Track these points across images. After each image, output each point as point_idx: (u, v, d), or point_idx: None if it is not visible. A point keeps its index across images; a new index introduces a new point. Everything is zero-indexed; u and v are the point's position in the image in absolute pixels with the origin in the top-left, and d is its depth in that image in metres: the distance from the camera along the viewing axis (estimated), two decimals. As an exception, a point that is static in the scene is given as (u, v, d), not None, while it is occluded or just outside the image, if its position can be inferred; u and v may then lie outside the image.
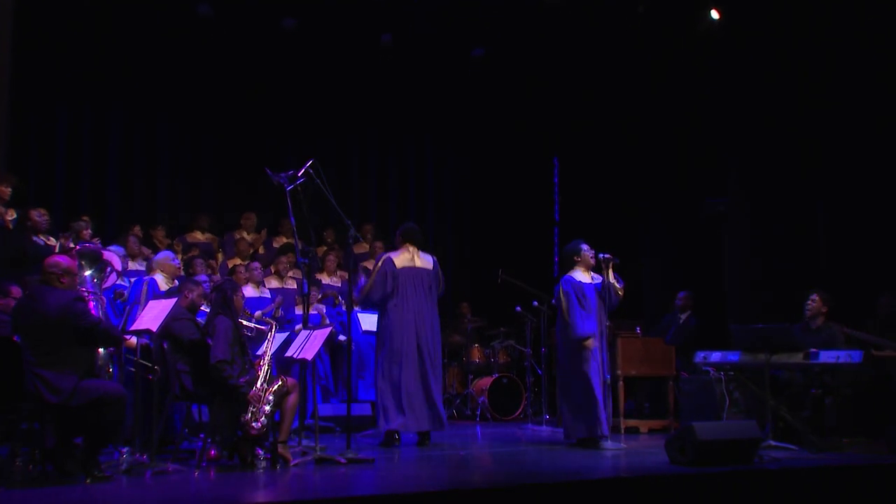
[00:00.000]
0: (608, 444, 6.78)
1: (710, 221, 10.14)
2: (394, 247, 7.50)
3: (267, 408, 5.72)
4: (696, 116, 10.22)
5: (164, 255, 7.72)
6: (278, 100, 10.98)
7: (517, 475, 5.54)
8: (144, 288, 7.08)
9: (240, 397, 5.70)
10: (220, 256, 9.58)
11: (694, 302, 9.33)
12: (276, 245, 10.05)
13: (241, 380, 5.75)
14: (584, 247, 7.26)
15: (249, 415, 5.67)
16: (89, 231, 7.64)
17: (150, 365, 5.96)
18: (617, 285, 7.13)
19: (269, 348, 6.06)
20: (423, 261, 7.33)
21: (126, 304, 7.04)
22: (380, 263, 7.21)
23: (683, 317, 9.30)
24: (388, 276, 7.12)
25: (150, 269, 7.64)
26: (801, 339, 7.01)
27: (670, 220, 10.77)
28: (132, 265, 8.09)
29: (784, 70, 9.23)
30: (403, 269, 7.19)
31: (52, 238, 7.31)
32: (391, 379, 7.04)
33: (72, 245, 6.97)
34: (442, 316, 7.63)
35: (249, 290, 8.35)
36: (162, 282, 7.31)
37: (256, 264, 8.81)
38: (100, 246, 6.98)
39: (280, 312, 8.44)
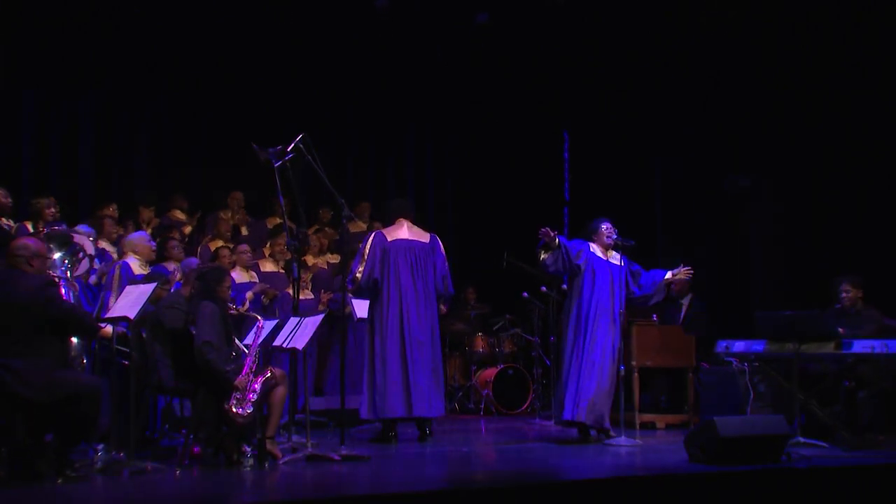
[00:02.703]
0: (620, 439, 6.75)
1: (733, 200, 10.07)
2: (385, 225, 7.51)
3: (253, 396, 5.67)
4: (717, 86, 10.14)
5: (137, 236, 7.51)
6: (268, 75, 10.83)
7: (524, 473, 5.54)
8: (117, 272, 6.94)
9: (224, 384, 5.65)
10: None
11: (691, 284, 9.22)
12: (269, 226, 10.00)
13: (227, 367, 5.72)
14: (605, 226, 7.23)
15: (234, 401, 5.62)
16: (52, 210, 7.43)
17: (126, 351, 5.91)
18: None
19: (255, 340, 6.01)
20: (417, 233, 7.32)
21: (101, 285, 6.97)
22: (370, 241, 7.18)
23: (685, 302, 9.15)
24: (380, 252, 7.10)
25: (121, 252, 7.41)
26: (837, 325, 6.94)
27: (690, 198, 10.71)
28: (109, 247, 7.95)
29: (813, 42, 9.14)
30: (394, 241, 7.20)
31: (11, 221, 7.21)
32: (373, 362, 7.03)
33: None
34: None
35: (238, 275, 8.30)
36: (136, 265, 7.15)
37: (245, 247, 8.75)
38: (65, 227, 6.87)
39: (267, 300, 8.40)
